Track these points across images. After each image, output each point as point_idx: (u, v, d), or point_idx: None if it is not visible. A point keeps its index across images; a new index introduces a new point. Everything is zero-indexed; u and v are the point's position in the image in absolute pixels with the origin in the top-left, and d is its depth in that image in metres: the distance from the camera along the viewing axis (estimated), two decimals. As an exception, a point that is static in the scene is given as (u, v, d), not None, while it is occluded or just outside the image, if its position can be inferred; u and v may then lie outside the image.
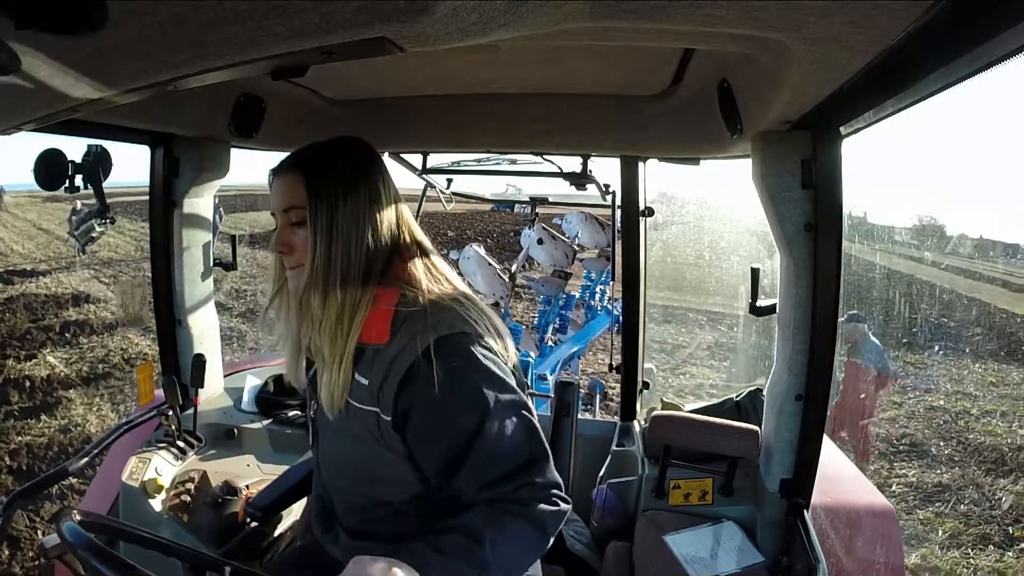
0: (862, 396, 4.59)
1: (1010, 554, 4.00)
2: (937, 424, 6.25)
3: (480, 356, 0.88)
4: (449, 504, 0.92)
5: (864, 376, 4.58)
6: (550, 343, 4.56)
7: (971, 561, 3.91)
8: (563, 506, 0.89)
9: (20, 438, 4.66)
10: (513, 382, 0.91)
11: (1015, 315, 11.13)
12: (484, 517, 0.85)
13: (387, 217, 0.93)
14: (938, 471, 5.16)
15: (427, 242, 1.00)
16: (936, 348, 8.75)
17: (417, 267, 0.94)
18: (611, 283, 4.68)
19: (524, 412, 0.90)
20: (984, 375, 8.05)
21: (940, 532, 4.19)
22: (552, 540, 0.90)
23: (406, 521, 0.97)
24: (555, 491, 0.89)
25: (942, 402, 6.83)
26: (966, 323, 10.42)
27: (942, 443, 5.75)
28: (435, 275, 0.95)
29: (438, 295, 0.91)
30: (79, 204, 14.45)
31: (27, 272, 11.35)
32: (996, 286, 14.55)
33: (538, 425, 0.92)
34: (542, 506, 0.87)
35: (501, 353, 0.92)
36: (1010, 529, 4.30)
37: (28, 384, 5.77)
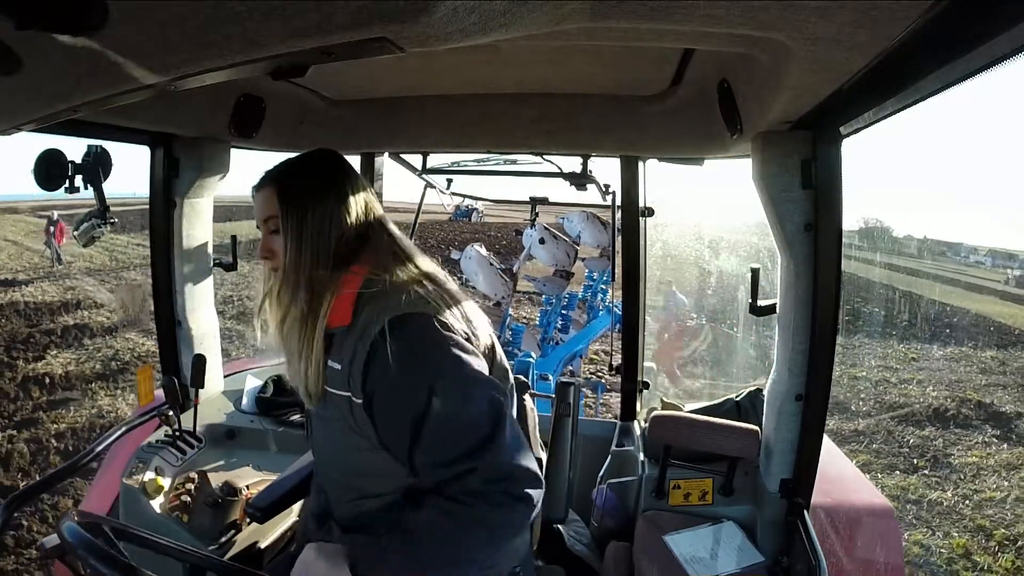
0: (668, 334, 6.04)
1: (913, 478, 4.97)
2: (858, 389, 7.26)
3: (437, 334, 0.89)
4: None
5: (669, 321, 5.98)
6: (552, 343, 4.55)
7: (879, 482, 4.72)
8: (520, 507, 0.86)
9: (55, 425, 4.95)
10: (475, 361, 0.91)
11: (945, 305, 13.27)
12: (430, 520, 0.86)
13: (355, 215, 0.99)
14: (855, 422, 6.15)
15: (397, 231, 1.04)
16: (865, 333, 10.24)
17: (385, 254, 0.99)
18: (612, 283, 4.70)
19: (486, 389, 0.89)
20: (907, 353, 9.40)
21: (854, 462, 4.97)
22: (512, 537, 0.88)
23: (397, 514, 0.97)
24: (513, 482, 0.86)
25: (864, 373, 7.95)
26: (895, 312, 12.15)
27: (860, 402, 6.75)
28: (403, 259, 0.99)
29: (402, 278, 0.95)
30: (55, 215, 14.52)
31: (8, 282, 11.62)
32: (930, 280, 17.59)
33: (504, 404, 0.90)
34: (492, 508, 0.85)
35: (464, 332, 0.93)
36: (915, 461, 5.31)
37: (47, 380, 5.99)
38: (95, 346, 7.46)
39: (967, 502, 4.56)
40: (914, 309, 12.52)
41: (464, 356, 0.90)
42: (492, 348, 1.00)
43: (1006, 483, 4.90)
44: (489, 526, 0.86)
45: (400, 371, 0.87)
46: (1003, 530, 4.12)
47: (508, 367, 1.04)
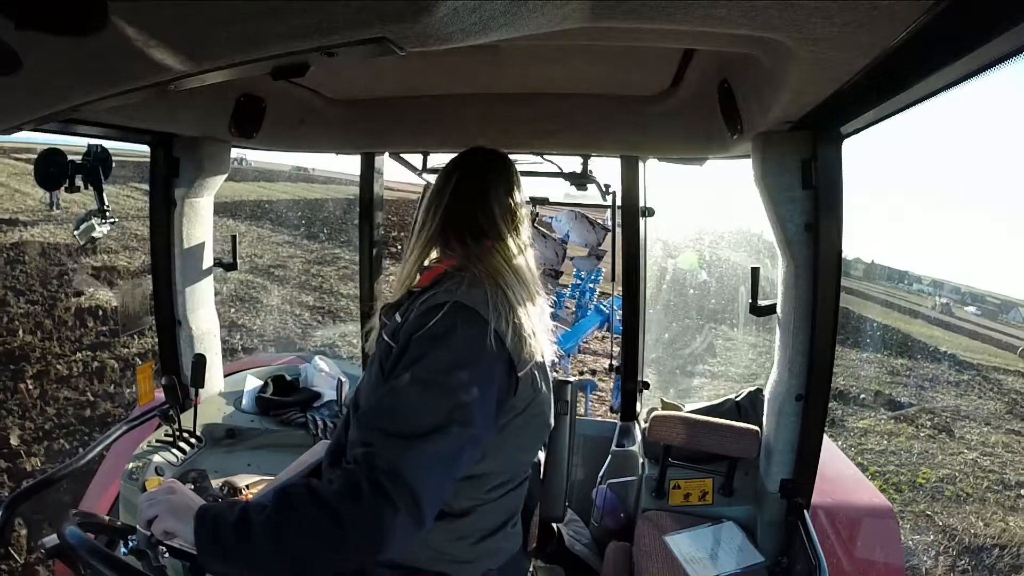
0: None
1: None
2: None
3: (469, 336, 0.88)
4: None
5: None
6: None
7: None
8: (383, 511, 0.78)
9: (126, 350, 5.20)
10: (479, 386, 0.86)
11: (873, 321, 15.33)
12: (284, 498, 0.81)
13: (482, 208, 1.04)
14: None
15: (526, 242, 1.07)
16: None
17: (488, 252, 1.01)
18: (601, 282, 4.70)
19: (454, 410, 0.84)
20: (826, 352, 10.94)
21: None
22: (357, 538, 0.78)
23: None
24: (399, 486, 0.78)
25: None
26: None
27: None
28: (507, 263, 1.00)
29: (488, 275, 0.95)
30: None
31: (11, 222, 11.25)
32: (867, 301, 20.21)
33: (462, 439, 0.85)
34: (354, 500, 0.78)
35: (512, 348, 0.90)
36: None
37: (101, 312, 6.14)
38: (129, 286, 7.54)
39: (852, 450, 5.90)
40: (843, 322, 14.39)
41: (469, 369, 0.86)
42: (541, 368, 0.98)
43: (885, 442, 6.34)
44: (338, 515, 0.78)
45: (420, 336, 0.88)
46: (875, 467, 5.63)
47: (547, 399, 1.01)
